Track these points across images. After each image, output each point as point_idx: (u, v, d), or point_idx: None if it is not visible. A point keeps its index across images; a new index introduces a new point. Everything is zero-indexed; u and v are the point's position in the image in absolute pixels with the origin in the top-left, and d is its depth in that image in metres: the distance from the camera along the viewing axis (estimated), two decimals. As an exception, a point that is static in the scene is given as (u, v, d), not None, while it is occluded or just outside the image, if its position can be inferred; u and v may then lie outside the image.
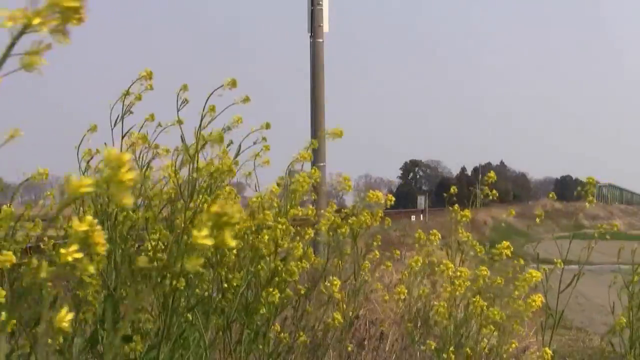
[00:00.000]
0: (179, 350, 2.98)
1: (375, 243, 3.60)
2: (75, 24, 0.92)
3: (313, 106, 11.89)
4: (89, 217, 0.96)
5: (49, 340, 2.75)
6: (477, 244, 3.68)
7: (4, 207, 2.89)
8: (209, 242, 0.92)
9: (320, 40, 11.94)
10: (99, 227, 0.95)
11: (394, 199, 3.60)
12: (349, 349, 4.18)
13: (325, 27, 11.95)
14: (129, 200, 0.92)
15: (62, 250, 0.93)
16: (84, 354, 2.93)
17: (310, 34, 11.99)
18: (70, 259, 0.94)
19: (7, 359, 2.61)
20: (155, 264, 2.76)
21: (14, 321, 2.10)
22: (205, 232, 0.92)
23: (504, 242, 3.50)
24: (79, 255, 0.94)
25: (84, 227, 0.94)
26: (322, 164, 11.30)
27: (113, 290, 2.88)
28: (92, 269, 0.98)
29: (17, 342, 2.80)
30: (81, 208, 2.98)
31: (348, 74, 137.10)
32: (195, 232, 0.92)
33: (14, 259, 2.07)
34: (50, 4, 0.90)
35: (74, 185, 0.91)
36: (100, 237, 0.95)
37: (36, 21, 0.90)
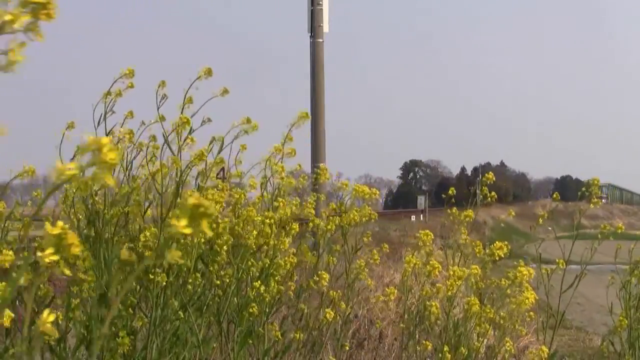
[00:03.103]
0: (173, 348, 2.97)
1: (365, 239, 3.59)
2: (44, 19, 0.94)
3: (313, 106, 11.89)
4: (60, 222, 0.99)
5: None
6: (479, 244, 3.66)
7: None
8: (189, 230, 0.94)
9: (320, 40, 11.94)
10: (70, 230, 0.98)
11: (378, 192, 3.60)
12: (347, 347, 4.17)
13: (325, 27, 11.96)
14: (112, 181, 0.96)
15: (39, 254, 0.95)
16: (78, 352, 2.93)
17: (310, 34, 11.99)
18: (47, 261, 0.96)
19: (1, 358, 2.61)
20: (135, 257, 2.75)
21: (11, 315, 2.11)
22: (184, 221, 0.94)
23: (497, 242, 3.46)
24: (55, 257, 0.97)
25: (56, 231, 0.97)
26: (322, 164, 11.30)
27: (106, 289, 2.88)
28: (68, 272, 1.00)
29: (12, 340, 2.80)
30: (72, 209, 2.98)
31: (348, 74, 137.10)
32: (174, 221, 0.95)
33: (13, 258, 2.07)
34: (21, 2, 0.93)
35: (60, 170, 0.94)
36: (73, 238, 0.98)
37: (8, 17, 0.92)
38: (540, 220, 4.03)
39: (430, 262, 3.47)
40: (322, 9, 11.81)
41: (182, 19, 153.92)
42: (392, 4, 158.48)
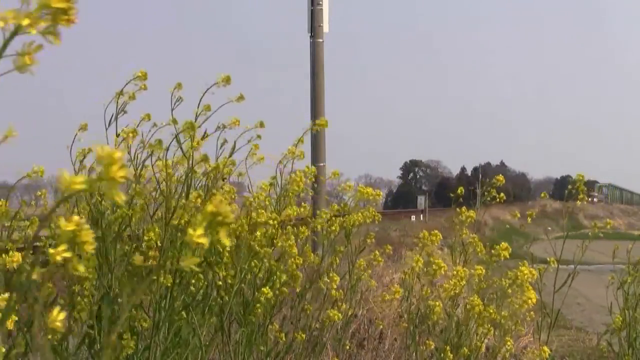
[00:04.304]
0: (176, 349, 2.98)
1: (369, 240, 3.60)
2: (64, 24, 0.93)
3: (313, 106, 11.89)
4: (76, 217, 0.96)
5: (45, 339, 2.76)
6: (481, 244, 3.67)
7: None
8: (204, 240, 0.93)
9: (320, 40, 11.93)
10: (86, 226, 0.96)
11: (381, 193, 3.62)
12: (347, 347, 4.18)
13: (325, 27, 11.95)
14: (120, 197, 0.93)
15: (52, 250, 0.94)
16: (80, 352, 2.93)
17: (310, 34, 11.98)
18: (59, 258, 0.95)
19: (4, 358, 2.61)
20: (149, 262, 2.76)
21: (14, 318, 2.12)
22: (200, 231, 0.93)
23: (503, 243, 3.49)
24: (69, 254, 0.95)
25: (71, 227, 0.95)
26: (322, 164, 11.29)
27: (108, 289, 2.88)
28: (82, 268, 0.99)
29: (14, 341, 2.81)
30: (75, 208, 2.98)
31: (348, 74, 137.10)
32: (190, 231, 0.93)
33: (20, 259, 2.07)
34: (41, 5, 0.92)
35: (67, 182, 0.92)
36: (88, 235, 0.96)
37: (25, 22, 0.91)
38: (529, 220, 4.06)
39: (436, 262, 3.49)
40: (322, 9, 11.80)
41: (181, 20, 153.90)
42: (392, 4, 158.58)
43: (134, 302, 2.40)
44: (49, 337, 2.51)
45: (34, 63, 0.94)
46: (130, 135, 3.11)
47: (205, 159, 3.06)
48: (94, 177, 0.93)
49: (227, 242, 0.95)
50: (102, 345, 2.87)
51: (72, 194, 0.94)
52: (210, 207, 0.94)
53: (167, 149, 3.05)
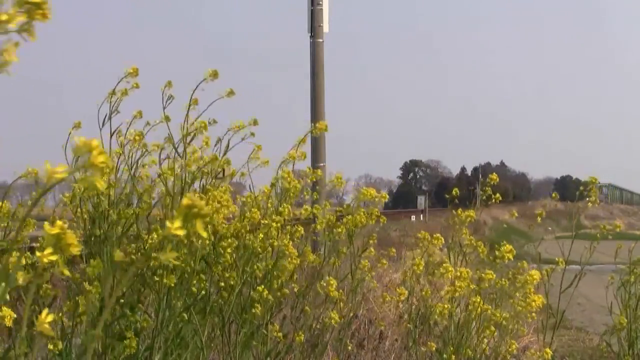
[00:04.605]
0: (177, 350, 2.97)
1: (371, 241, 3.59)
2: (40, 19, 0.95)
3: (313, 106, 11.91)
4: (60, 222, 0.98)
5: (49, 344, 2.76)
6: (481, 245, 3.66)
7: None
8: (182, 232, 0.95)
9: (320, 40, 11.96)
10: (70, 230, 0.98)
11: (387, 196, 3.60)
12: (349, 347, 4.18)
13: (325, 27, 11.98)
14: (101, 184, 0.96)
15: (38, 253, 0.95)
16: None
17: (310, 34, 12.01)
18: (46, 260, 0.96)
19: (4, 358, 2.61)
20: (133, 257, 2.76)
21: (13, 316, 2.13)
22: (177, 223, 0.94)
23: (507, 245, 3.47)
24: (54, 257, 0.97)
25: (55, 230, 0.96)
26: (322, 164, 11.31)
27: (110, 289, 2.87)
28: (67, 271, 1.00)
29: (14, 342, 2.80)
30: (79, 208, 2.99)
31: (348, 74, 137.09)
32: (168, 224, 0.95)
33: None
34: (18, 1, 0.93)
35: (49, 172, 0.94)
36: (72, 238, 0.97)
37: (3, 17, 0.92)
38: (539, 219, 4.03)
39: (444, 265, 3.48)
40: (322, 9, 11.82)
41: (181, 20, 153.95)
42: (392, 4, 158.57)
43: (118, 294, 2.39)
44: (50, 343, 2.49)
45: (15, 59, 0.95)
46: (137, 138, 3.11)
47: (214, 158, 3.06)
48: (75, 166, 0.95)
49: (204, 233, 0.98)
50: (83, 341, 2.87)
51: (54, 184, 0.96)
52: (185, 201, 0.96)
53: (176, 148, 3.05)
